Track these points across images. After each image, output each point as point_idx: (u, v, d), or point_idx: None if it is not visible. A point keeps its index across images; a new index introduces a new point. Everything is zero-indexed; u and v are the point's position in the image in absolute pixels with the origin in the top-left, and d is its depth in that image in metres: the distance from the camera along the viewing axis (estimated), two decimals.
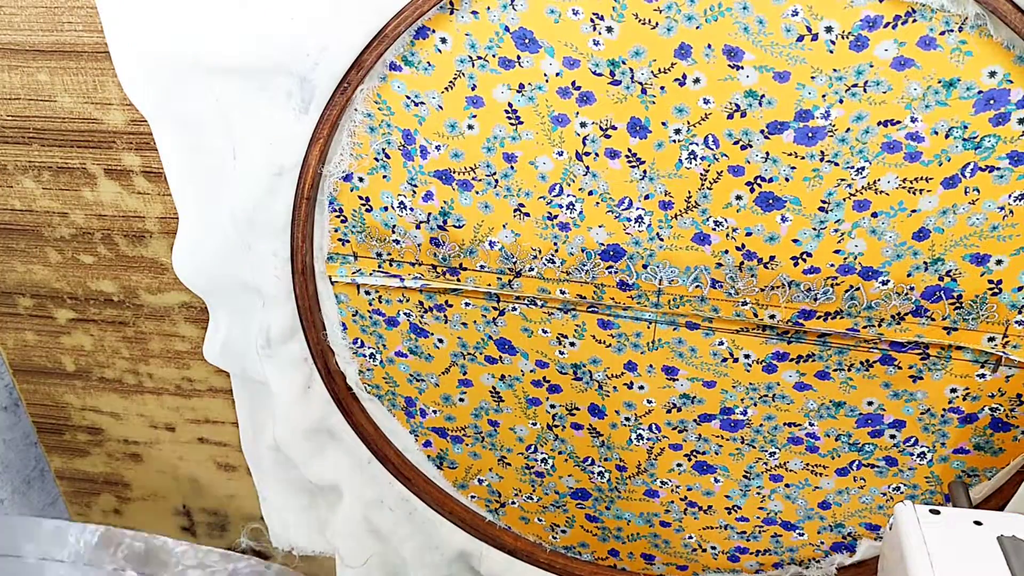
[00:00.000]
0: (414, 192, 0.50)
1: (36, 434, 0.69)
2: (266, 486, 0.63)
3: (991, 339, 0.48)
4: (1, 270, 0.59)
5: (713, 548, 0.61)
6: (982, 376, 0.49)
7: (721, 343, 0.51)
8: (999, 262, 0.46)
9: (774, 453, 0.55)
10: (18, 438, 0.72)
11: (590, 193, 0.48)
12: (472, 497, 0.63)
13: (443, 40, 0.45)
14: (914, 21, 0.40)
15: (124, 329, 0.61)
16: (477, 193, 0.49)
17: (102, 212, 0.55)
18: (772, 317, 0.50)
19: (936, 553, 0.38)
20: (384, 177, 0.50)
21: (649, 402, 0.55)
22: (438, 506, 0.62)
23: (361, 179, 0.51)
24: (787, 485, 0.56)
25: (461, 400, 0.58)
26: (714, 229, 0.48)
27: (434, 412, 0.59)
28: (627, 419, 0.56)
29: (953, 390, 0.50)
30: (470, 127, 0.47)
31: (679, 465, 0.58)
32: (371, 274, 0.53)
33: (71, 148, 0.53)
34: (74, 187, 0.54)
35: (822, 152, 0.44)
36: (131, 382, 0.64)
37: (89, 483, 0.72)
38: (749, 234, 0.47)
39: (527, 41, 0.44)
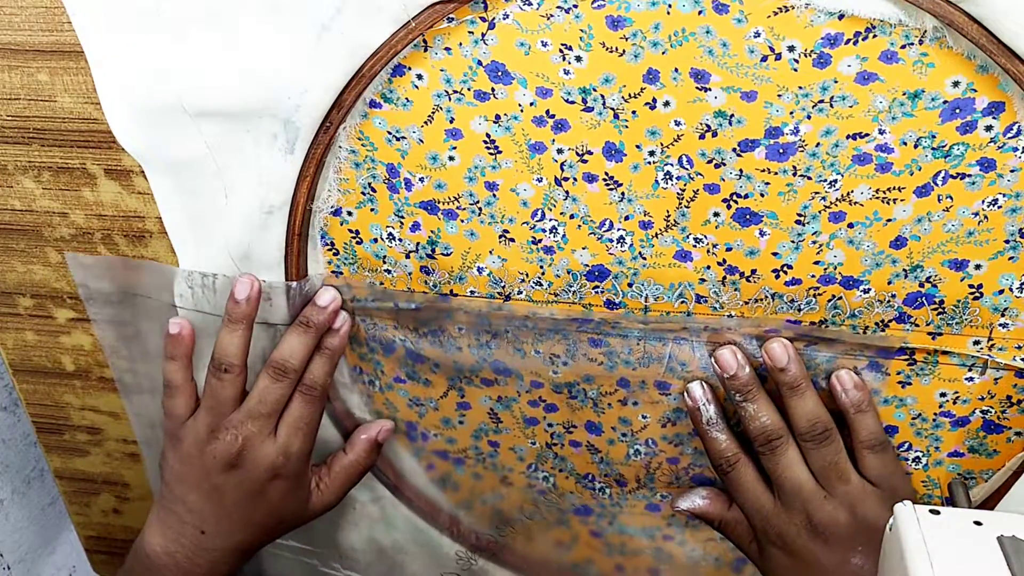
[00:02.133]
0: (401, 223, 0.51)
1: (36, 434, 0.70)
2: None
3: (976, 343, 0.48)
4: (1, 270, 0.60)
5: (716, 560, 0.61)
6: (970, 380, 0.50)
7: (711, 355, 0.52)
8: (978, 267, 0.46)
9: None
10: (18, 438, 0.73)
11: (571, 217, 0.49)
12: (477, 518, 0.64)
13: (419, 76, 0.46)
14: (874, 36, 0.41)
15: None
16: (462, 221, 0.51)
17: (102, 212, 0.55)
18: (759, 324, 0.50)
19: (936, 553, 0.38)
20: (372, 210, 0.51)
21: (644, 417, 0.56)
22: (443, 527, 0.63)
23: (350, 213, 0.52)
24: None
25: (461, 422, 0.60)
26: (695, 246, 0.49)
27: (435, 435, 0.61)
28: (623, 435, 0.57)
29: (943, 394, 0.50)
30: (451, 158, 0.48)
31: (677, 479, 0.58)
32: (365, 299, 0.54)
33: (71, 148, 0.53)
34: (74, 187, 0.55)
35: (794, 167, 0.45)
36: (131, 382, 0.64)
37: (89, 483, 0.73)
38: (729, 249, 0.48)
39: (500, 73, 0.45)
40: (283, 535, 0.58)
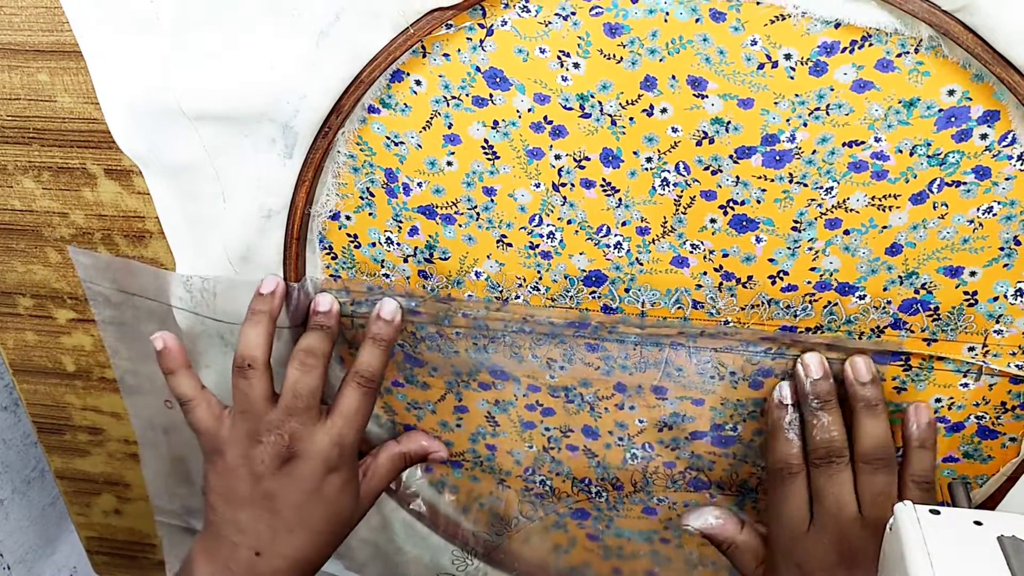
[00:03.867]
0: (400, 228, 0.52)
1: (36, 434, 0.70)
2: None
3: (971, 349, 0.49)
4: (1, 270, 0.60)
5: (713, 563, 0.62)
6: (965, 385, 0.50)
7: (708, 360, 0.52)
8: (973, 274, 0.46)
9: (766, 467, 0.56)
10: (18, 438, 0.73)
11: (569, 222, 0.49)
12: (475, 520, 0.64)
13: (417, 82, 0.46)
14: (870, 45, 0.41)
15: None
16: (460, 226, 0.51)
17: (102, 212, 0.56)
18: (755, 331, 0.51)
19: (936, 553, 0.38)
20: (370, 214, 0.52)
21: (640, 422, 0.56)
22: (442, 530, 0.64)
23: (348, 217, 0.52)
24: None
25: (458, 426, 0.60)
26: (691, 252, 0.49)
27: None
28: (620, 439, 0.57)
29: (938, 400, 0.51)
30: (449, 164, 0.49)
31: (674, 482, 0.58)
32: (364, 303, 0.55)
33: (71, 148, 0.53)
34: (74, 187, 0.55)
35: (790, 174, 0.45)
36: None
37: (89, 483, 0.73)
38: (726, 255, 0.48)
39: (498, 80, 0.45)
40: (339, 545, 0.55)
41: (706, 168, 0.46)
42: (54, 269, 0.59)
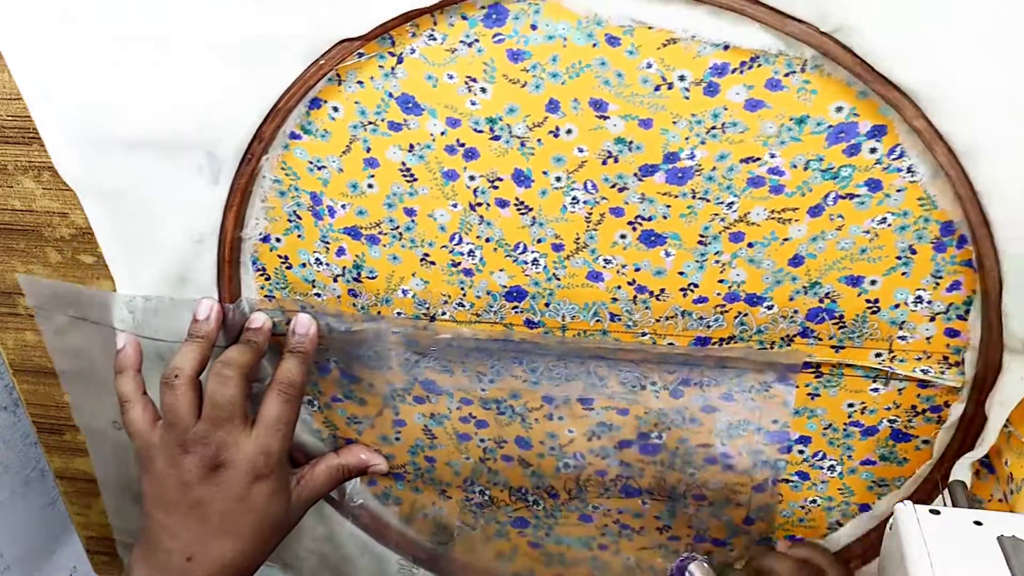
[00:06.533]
0: (327, 248, 0.53)
1: (36, 434, 0.70)
2: None
3: (878, 355, 0.50)
4: (1, 270, 0.60)
5: (652, 568, 0.63)
6: (875, 390, 0.51)
7: (629, 371, 0.54)
8: (873, 282, 0.48)
9: (693, 473, 0.57)
10: (18, 438, 0.73)
11: (487, 240, 0.51)
12: (419, 530, 0.66)
13: (335, 109, 0.48)
14: (759, 66, 0.43)
15: None
16: (384, 246, 0.52)
17: None
18: (671, 345, 0.52)
19: (936, 553, 0.38)
20: (299, 236, 0.53)
21: (570, 432, 0.57)
22: (387, 540, 0.65)
23: (278, 239, 0.54)
24: (710, 504, 0.59)
25: (397, 439, 0.61)
26: (605, 267, 0.50)
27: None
28: (552, 449, 0.59)
29: (850, 405, 0.52)
30: (370, 186, 0.50)
31: (607, 490, 0.60)
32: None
33: None
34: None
35: (693, 190, 0.47)
36: None
37: (89, 483, 0.73)
38: (638, 270, 0.50)
39: (411, 105, 0.47)
40: (272, 551, 0.56)
41: (613, 186, 0.47)
42: (54, 269, 0.60)
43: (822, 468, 0.55)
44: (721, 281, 0.49)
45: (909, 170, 0.44)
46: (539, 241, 0.50)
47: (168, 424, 0.52)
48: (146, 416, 0.54)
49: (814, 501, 0.57)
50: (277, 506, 0.55)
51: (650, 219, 0.48)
